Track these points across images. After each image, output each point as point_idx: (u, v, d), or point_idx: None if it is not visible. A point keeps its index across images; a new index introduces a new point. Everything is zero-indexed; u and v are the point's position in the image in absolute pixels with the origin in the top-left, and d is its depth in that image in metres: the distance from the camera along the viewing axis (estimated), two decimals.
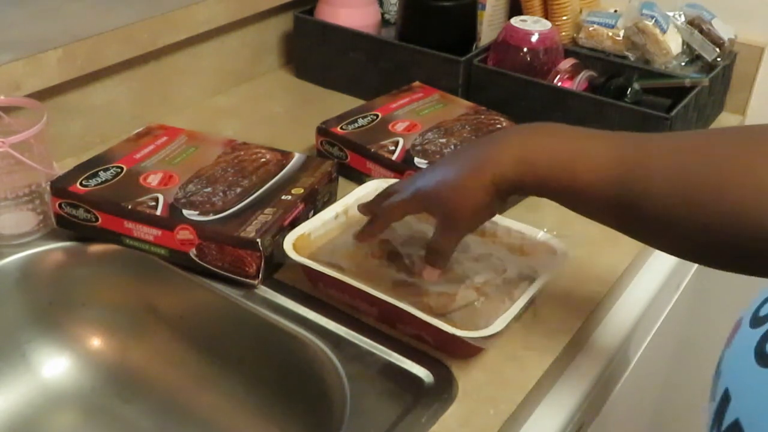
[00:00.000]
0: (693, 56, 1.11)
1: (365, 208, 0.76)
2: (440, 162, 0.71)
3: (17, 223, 0.83)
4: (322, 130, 0.97)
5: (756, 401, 0.36)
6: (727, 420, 0.38)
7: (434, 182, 0.67)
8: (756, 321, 0.40)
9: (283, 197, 0.82)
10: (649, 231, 0.60)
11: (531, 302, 0.73)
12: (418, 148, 0.93)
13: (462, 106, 1.03)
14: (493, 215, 0.69)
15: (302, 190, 0.83)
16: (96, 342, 0.86)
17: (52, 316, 0.85)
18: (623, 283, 0.87)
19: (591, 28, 1.14)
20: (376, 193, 0.84)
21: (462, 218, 0.67)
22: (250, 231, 0.76)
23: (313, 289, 0.78)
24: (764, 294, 0.41)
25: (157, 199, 0.80)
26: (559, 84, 1.05)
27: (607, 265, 0.84)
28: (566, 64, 1.07)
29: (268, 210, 0.79)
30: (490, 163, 0.63)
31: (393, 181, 0.85)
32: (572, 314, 0.77)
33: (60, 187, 0.81)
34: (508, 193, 0.64)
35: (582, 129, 0.64)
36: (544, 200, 0.94)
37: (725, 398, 0.38)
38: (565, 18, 1.17)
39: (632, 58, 1.11)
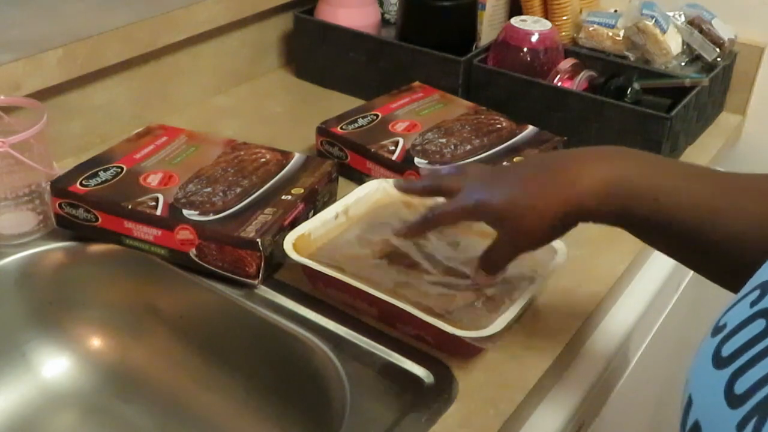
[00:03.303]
0: (693, 56, 1.11)
1: (407, 189, 0.74)
2: (507, 173, 0.68)
3: (17, 223, 0.83)
4: (322, 130, 0.97)
5: (712, 401, 0.39)
6: (689, 423, 0.40)
7: (502, 198, 0.64)
8: (716, 330, 0.42)
9: (283, 197, 0.82)
10: (727, 271, 0.59)
11: (531, 302, 0.73)
12: (418, 148, 0.93)
13: (462, 106, 1.03)
14: (555, 238, 0.66)
15: (302, 190, 0.83)
16: (96, 342, 0.86)
17: (52, 316, 0.85)
18: (623, 283, 0.87)
19: (591, 28, 1.14)
20: (377, 192, 0.84)
21: (526, 240, 0.65)
22: (250, 231, 0.76)
23: (313, 289, 0.78)
24: (727, 306, 0.44)
25: (157, 199, 0.80)
26: (559, 84, 1.05)
27: (607, 265, 0.84)
28: (566, 64, 1.07)
29: (268, 210, 0.79)
30: (567, 190, 0.61)
31: (393, 180, 0.86)
32: (572, 314, 0.77)
33: (60, 187, 0.81)
34: (580, 220, 0.62)
35: (663, 158, 0.63)
36: None
37: (689, 403, 0.41)
38: (565, 18, 1.17)
39: (632, 58, 1.11)
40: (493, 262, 0.69)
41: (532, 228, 0.63)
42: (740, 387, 0.37)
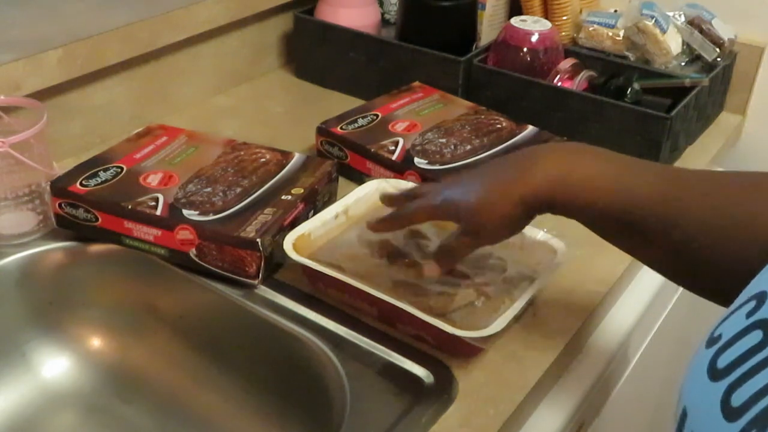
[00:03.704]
0: (693, 56, 1.11)
1: (388, 200, 0.76)
2: (471, 173, 0.71)
3: (17, 223, 0.83)
4: (322, 130, 0.97)
5: (708, 414, 0.38)
6: None
7: (462, 192, 0.67)
8: (711, 341, 0.42)
9: (283, 197, 0.82)
10: (679, 263, 0.60)
11: (531, 302, 0.73)
12: (418, 148, 0.93)
13: (462, 106, 1.03)
14: (516, 232, 0.68)
15: (302, 190, 0.83)
16: (96, 342, 0.86)
17: (52, 316, 0.85)
18: (623, 283, 0.87)
19: (591, 28, 1.14)
20: (377, 192, 0.84)
21: (485, 230, 0.67)
22: (250, 231, 0.76)
23: (313, 289, 0.78)
24: (722, 317, 0.43)
25: (157, 199, 0.80)
26: (559, 84, 1.05)
27: (607, 265, 0.84)
28: (566, 64, 1.07)
29: (268, 210, 0.79)
30: (522, 179, 0.63)
31: (395, 181, 0.86)
32: (572, 314, 0.77)
33: (60, 187, 0.81)
34: (536, 210, 0.64)
35: (616, 154, 0.64)
36: None
37: (683, 415, 0.41)
38: (565, 18, 1.17)
39: (632, 58, 1.11)
40: (447, 252, 0.70)
41: (489, 219, 0.65)
42: (737, 400, 0.37)
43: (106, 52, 0.96)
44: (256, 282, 0.78)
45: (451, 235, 0.70)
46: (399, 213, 0.73)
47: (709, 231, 0.56)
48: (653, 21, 1.07)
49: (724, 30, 1.12)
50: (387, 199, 0.76)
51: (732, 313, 0.43)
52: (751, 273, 0.45)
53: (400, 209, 0.73)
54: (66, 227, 0.83)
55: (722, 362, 0.40)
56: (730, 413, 0.37)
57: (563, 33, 1.17)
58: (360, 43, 1.16)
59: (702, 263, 0.57)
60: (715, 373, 0.40)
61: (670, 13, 1.11)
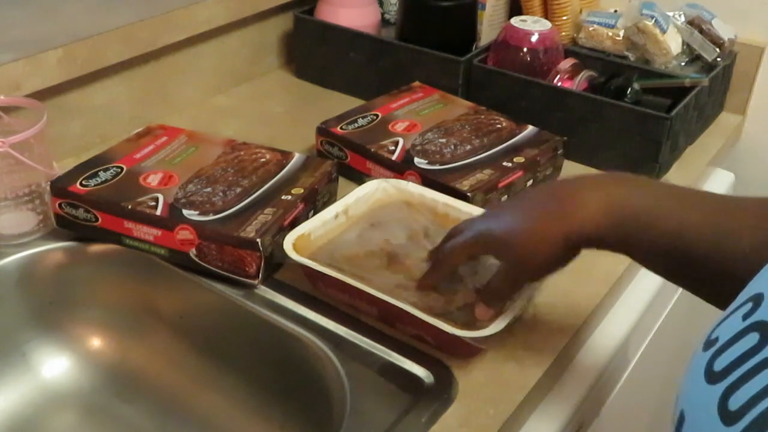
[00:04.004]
0: (693, 56, 1.11)
1: (431, 253, 0.75)
2: (510, 206, 0.69)
3: (17, 223, 0.83)
4: (322, 130, 0.97)
5: (705, 418, 0.38)
6: None
7: (504, 228, 0.65)
8: (707, 344, 0.42)
9: (283, 197, 0.82)
10: (730, 294, 0.59)
11: (531, 302, 0.73)
12: (418, 148, 0.93)
13: (462, 106, 1.03)
14: (561, 268, 0.66)
15: (302, 190, 0.83)
16: (96, 342, 0.86)
17: (52, 316, 0.85)
18: (623, 283, 0.87)
19: (591, 28, 1.14)
20: (377, 192, 0.84)
21: (529, 270, 0.66)
22: (250, 231, 0.76)
23: (313, 289, 0.78)
24: (718, 320, 0.43)
25: (157, 199, 0.80)
26: (559, 84, 1.05)
27: (607, 265, 0.84)
28: (566, 64, 1.07)
29: (268, 210, 0.79)
30: (568, 217, 0.61)
31: (395, 181, 0.86)
32: (572, 314, 0.77)
33: (60, 187, 0.81)
34: (582, 247, 0.63)
35: (661, 183, 0.63)
36: None
37: (681, 419, 0.41)
38: (565, 18, 1.17)
39: (632, 58, 1.11)
40: (494, 293, 0.69)
41: (534, 255, 0.64)
42: (734, 403, 0.37)
43: (106, 52, 0.96)
44: (256, 282, 0.78)
45: (498, 274, 0.68)
46: (438, 259, 0.72)
47: (761, 262, 0.56)
48: (653, 21, 1.07)
49: (724, 30, 1.12)
50: (430, 252, 0.75)
51: (728, 315, 0.42)
52: None
53: (438, 254, 0.72)
54: (66, 227, 0.83)
55: (719, 365, 0.39)
56: (727, 417, 0.37)
57: (563, 33, 1.17)
58: (360, 43, 1.16)
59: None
60: (712, 376, 0.39)
61: (670, 13, 1.11)
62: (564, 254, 0.63)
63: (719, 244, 0.57)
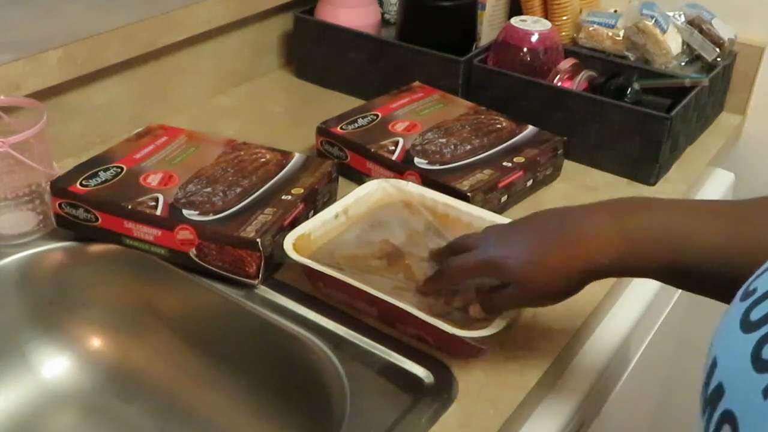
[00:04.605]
0: (693, 56, 1.11)
1: (435, 254, 0.75)
2: (521, 232, 0.67)
3: (17, 223, 0.83)
4: (322, 130, 0.97)
5: (737, 365, 0.39)
6: (713, 383, 0.40)
7: (515, 256, 0.64)
8: (745, 295, 0.42)
9: (283, 197, 0.82)
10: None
11: None
12: (418, 148, 0.93)
13: (462, 106, 1.03)
14: (569, 297, 0.65)
15: (302, 190, 0.83)
16: (96, 342, 0.86)
17: (52, 316, 0.85)
18: (623, 283, 0.87)
19: (591, 28, 1.14)
20: (376, 193, 0.84)
21: (537, 298, 0.65)
22: (250, 231, 0.76)
23: (313, 289, 0.78)
24: (758, 272, 0.44)
25: (157, 199, 0.80)
26: (559, 84, 1.05)
27: None
28: (566, 64, 1.07)
29: (268, 210, 0.79)
30: (582, 250, 0.61)
31: (395, 181, 0.86)
32: (572, 314, 0.77)
33: (60, 187, 0.81)
34: (596, 278, 0.62)
35: (673, 202, 0.62)
36: (545, 200, 0.94)
37: (713, 365, 0.41)
38: (565, 18, 1.17)
39: (632, 58, 1.11)
40: (493, 306, 0.68)
41: (544, 287, 0.63)
42: None
43: (106, 52, 0.96)
44: (256, 282, 0.78)
45: (505, 292, 0.67)
46: (443, 271, 0.72)
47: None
48: (653, 21, 1.07)
49: (724, 30, 1.12)
50: (434, 254, 0.75)
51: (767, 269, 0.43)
52: None
53: (444, 265, 0.72)
54: (66, 227, 0.83)
55: (755, 315, 0.40)
56: (759, 365, 0.37)
57: (563, 33, 1.17)
58: (360, 43, 1.16)
59: None
60: (747, 326, 0.40)
61: (670, 13, 1.11)
62: (575, 284, 0.63)
63: (737, 257, 0.56)
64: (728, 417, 0.38)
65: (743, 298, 0.42)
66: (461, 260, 0.69)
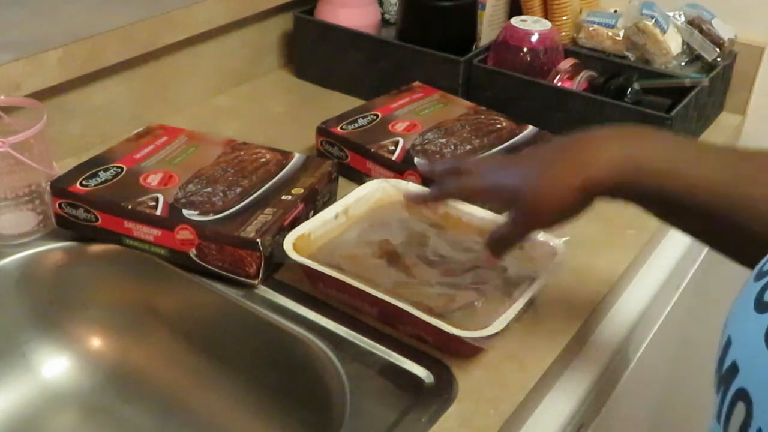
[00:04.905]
0: (693, 56, 1.11)
1: (429, 172, 0.74)
2: (523, 156, 0.68)
3: (17, 223, 0.83)
4: (322, 130, 0.97)
5: (752, 344, 0.40)
6: (727, 362, 0.42)
7: (517, 179, 0.65)
8: (759, 275, 0.43)
9: (283, 197, 0.82)
10: (744, 244, 0.58)
11: (531, 302, 0.73)
12: (418, 148, 0.93)
13: (462, 106, 1.03)
14: (573, 218, 0.65)
15: (302, 190, 0.83)
16: (96, 342, 0.86)
17: (52, 316, 0.85)
18: (623, 283, 0.87)
19: (591, 28, 1.14)
20: (376, 193, 0.84)
21: (541, 219, 0.65)
22: (250, 231, 0.76)
23: (313, 289, 0.78)
24: None
25: (157, 199, 0.80)
26: (559, 84, 1.05)
27: (607, 265, 0.84)
28: (566, 64, 1.07)
29: (268, 210, 0.79)
30: (584, 166, 0.61)
31: (395, 181, 0.85)
32: (572, 314, 0.77)
33: (60, 187, 0.81)
34: (598, 197, 0.62)
35: (681, 136, 0.63)
36: None
37: (727, 344, 0.42)
38: (565, 18, 1.17)
39: (632, 58, 1.11)
40: (502, 241, 0.68)
41: (548, 206, 0.63)
42: None
43: (106, 52, 0.96)
44: (256, 282, 0.78)
45: (503, 223, 0.67)
46: (441, 186, 0.70)
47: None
48: (653, 21, 1.07)
49: (724, 30, 1.12)
50: (427, 170, 0.74)
51: None
52: None
53: (443, 187, 0.70)
54: (66, 227, 0.83)
55: None
56: None
57: (563, 33, 1.17)
58: (360, 43, 1.16)
59: (766, 242, 0.56)
60: (761, 306, 0.41)
61: (670, 13, 1.11)
62: (579, 203, 0.63)
63: (732, 196, 0.57)
64: (742, 395, 0.39)
65: (757, 279, 0.43)
66: (465, 181, 0.68)
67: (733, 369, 0.41)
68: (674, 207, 0.60)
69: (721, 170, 0.59)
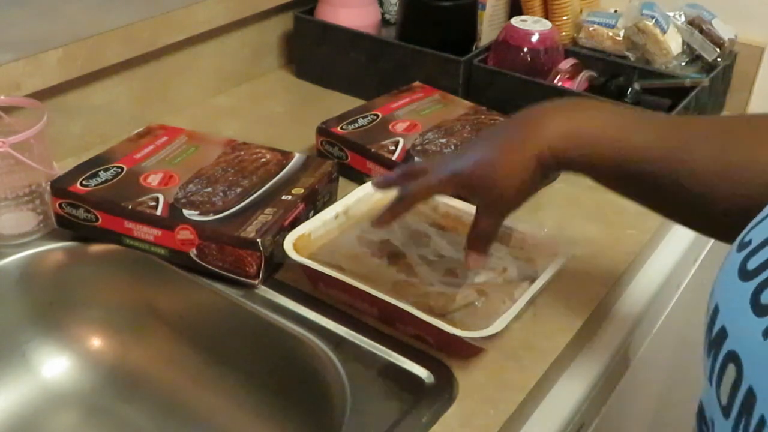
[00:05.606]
0: (693, 56, 1.11)
1: (384, 183, 0.74)
2: (474, 142, 0.69)
3: (17, 223, 0.83)
4: (322, 130, 0.97)
5: (738, 310, 0.42)
6: (716, 328, 0.44)
7: (472, 162, 0.66)
8: (741, 246, 0.46)
9: (283, 197, 0.82)
10: (687, 208, 0.61)
11: (531, 302, 0.73)
12: (419, 148, 0.93)
13: (462, 106, 1.03)
14: (534, 193, 0.67)
15: (302, 190, 0.83)
16: (96, 342, 0.86)
17: (52, 316, 0.85)
18: (623, 283, 0.87)
19: (591, 28, 1.14)
20: (377, 193, 0.84)
21: (504, 198, 0.66)
22: (250, 231, 0.76)
23: (314, 289, 0.78)
24: (751, 224, 0.47)
25: (157, 199, 0.80)
26: (559, 84, 1.05)
27: (607, 265, 0.84)
28: (566, 64, 1.07)
29: (268, 210, 0.79)
30: (534, 138, 0.63)
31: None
32: (572, 314, 0.77)
33: (60, 187, 0.81)
34: (551, 168, 0.64)
35: (621, 106, 0.66)
36: (545, 200, 0.94)
37: (715, 311, 0.45)
38: (565, 18, 1.17)
39: (632, 58, 1.11)
40: (478, 237, 0.69)
41: (508, 184, 0.65)
42: (766, 298, 0.41)
43: (106, 52, 0.96)
44: (256, 282, 0.78)
45: (476, 217, 0.68)
46: (402, 196, 0.71)
47: (711, 174, 0.58)
48: (653, 21, 1.07)
49: (724, 30, 1.12)
50: (382, 183, 0.75)
51: (762, 220, 0.46)
52: (751, 211, 0.48)
53: (403, 190, 0.71)
54: (66, 227, 0.83)
55: (752, 264, 0.43)
56: (759, 309, 0.40)
57: (563, 33, 1.17)
58: (360, 43, 1.16)
59: (707, 204, 0.58)
60: (745, 274, 0.43)
61: (670, 13, 1.12)
62: (536, 178, 0.64)
63: (670, 160, 0.59)
64: (732, 357, 0.41)
65: (739, 249, 0.45)
66: (420, 183, 0.69)
67: (722, 333, 0.43)
68: (621, 175, 0.63)
69: (657, 136, 0.61)
